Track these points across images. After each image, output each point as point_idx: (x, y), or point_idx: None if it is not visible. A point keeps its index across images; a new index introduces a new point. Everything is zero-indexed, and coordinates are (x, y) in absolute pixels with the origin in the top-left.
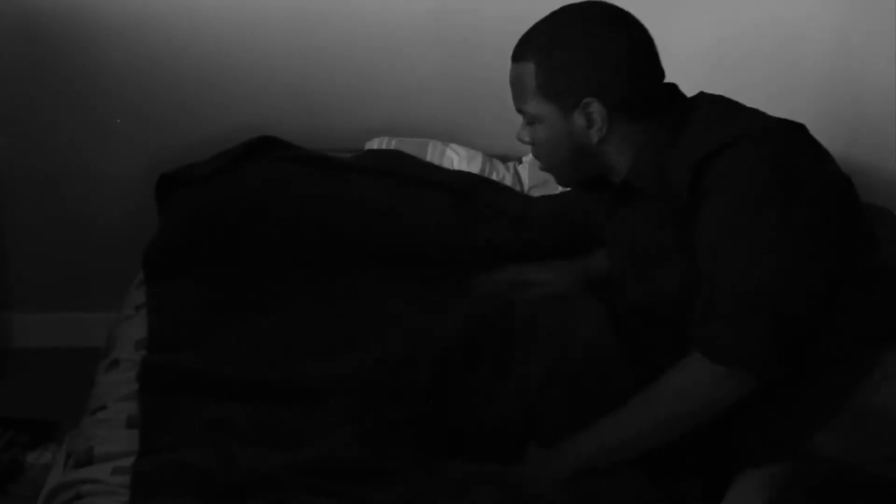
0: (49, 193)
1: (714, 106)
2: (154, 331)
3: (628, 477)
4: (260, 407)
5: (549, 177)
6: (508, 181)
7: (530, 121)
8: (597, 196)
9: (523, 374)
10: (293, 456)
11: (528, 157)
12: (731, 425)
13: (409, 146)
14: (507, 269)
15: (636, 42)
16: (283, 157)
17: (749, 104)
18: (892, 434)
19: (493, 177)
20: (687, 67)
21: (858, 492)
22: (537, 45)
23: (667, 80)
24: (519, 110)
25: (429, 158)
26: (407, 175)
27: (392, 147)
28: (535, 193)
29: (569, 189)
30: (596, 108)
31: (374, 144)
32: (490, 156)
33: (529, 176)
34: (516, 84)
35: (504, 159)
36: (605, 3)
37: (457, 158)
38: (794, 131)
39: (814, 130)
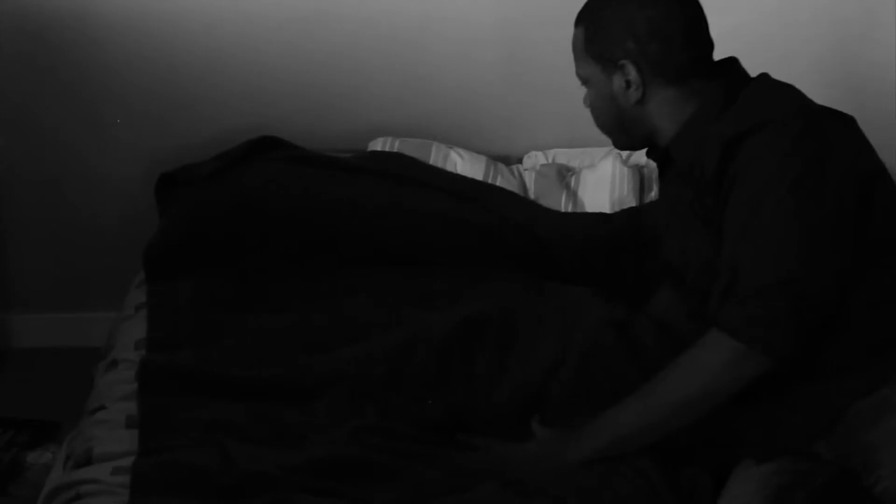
0: (49, 193)
1: (762, 87)
2: (153, 331)
3: (634, 468)
4: (259, 406)
5: (554, 186)
6: (514, 187)
7: (583, 82)
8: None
9: (526, 362)
10: (292, 455)
11: (531, 162)
12: (737, 419)
13: (411, 147)
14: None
15: (679, 10)
16: (284, 157)
17: None
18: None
19: (499, 182)
20: None
21: (856, 500)
22: (588, 9)
23: None
24: (577, 75)
25: (432, 161)
26: (408, 177)
27: (395, 148)
28: (543, 203)
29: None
30: (630, 71)
31: (377, 145)
32: (494, 159)
33: (535, 183)
34: (573, 48)
35: (506, 161)
36: None
37: (460, 161)
38: (830, 119)
39: None
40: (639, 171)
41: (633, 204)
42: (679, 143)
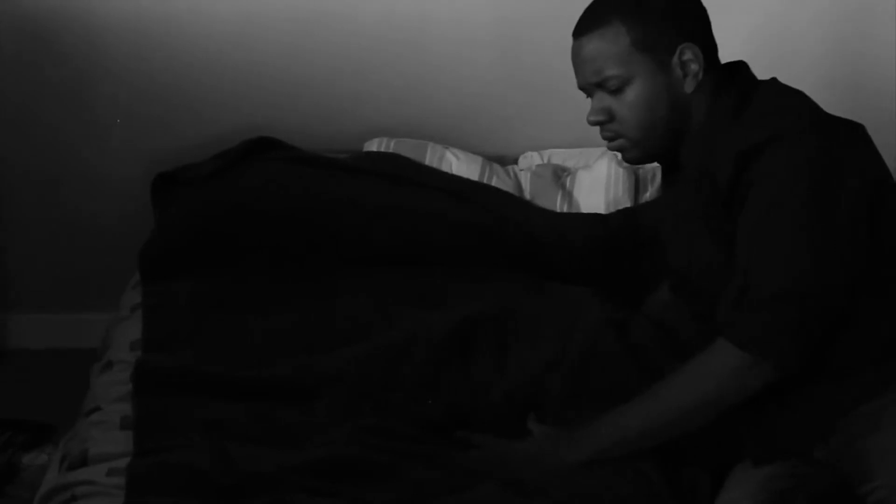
0: (46, 194)
1: (774, 96)
2: (149, 331)
3: (635, 469)
4: (257, 406)
5: (549, 187)
6: (510, 188)
7: (617, 87)
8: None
9: (525, 361)
10: (290, 455)
11: (526, 163)
12: (738, 420)
13: (407, 147)
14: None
15: None
16: (281, 157)
17: None
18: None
19: (494, 182)
20: None
21: None
22: (619, 4)
23: None
24: (597, 84)
25: (427, 161)
26: (405, 178)
27: (390, 148)
28: (538, 203)
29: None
30: (693, 53)
31: (373, 146)
32: (489, 160)
33: (531, 184)
34: (598, 54)
35: (501, 161)
36: None
37: (455, 162)
38: (843, 130)
39: None
40: (634, 171)
41: (629, 204)
42: (690, 149)
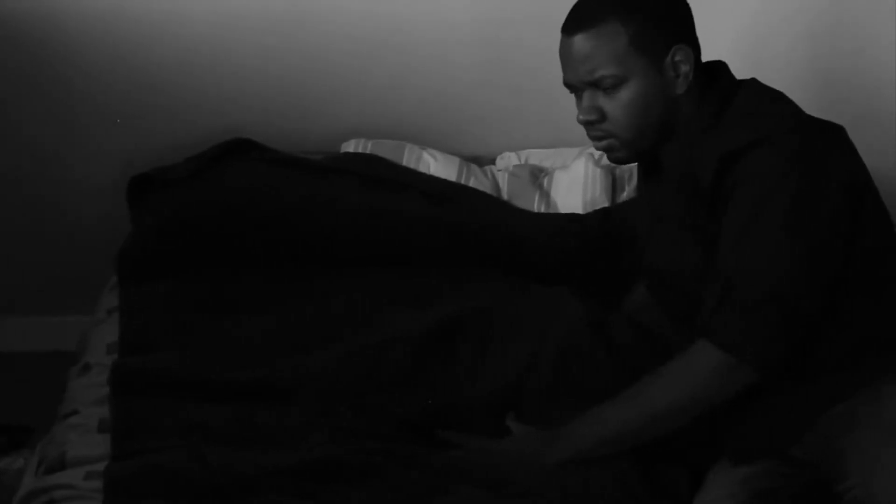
0: (21, 195)
1: (755, 97)
2: (126, 334)
3: (614, 470)
4: (235, 408)
5: (527, 187)
6: (487, 188)
7: (612, 86)
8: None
9: (502, 360)
10: (269, 458)
11: (504, 163)
12: (717, 420)
13: (384, 149)
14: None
15: None
16: (257, 159)
17: None
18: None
19: (472, 183)
20: None
21: None
22: (616, 1)
23: None
24: (591, 83)
25: (405, 162)
26: (383, 178)
27: (367, 149)
28: (516, 204)
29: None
30: (685, 54)
31: (350, 147)
32: (467, 160)
33: (508, 184)
34: (595, 52)
35: (479, 162)
36: None
37: (433, 162)
38: (824, 133)
39: None
40: (611, 171)
41: (606, 204)
42: (672, 151)
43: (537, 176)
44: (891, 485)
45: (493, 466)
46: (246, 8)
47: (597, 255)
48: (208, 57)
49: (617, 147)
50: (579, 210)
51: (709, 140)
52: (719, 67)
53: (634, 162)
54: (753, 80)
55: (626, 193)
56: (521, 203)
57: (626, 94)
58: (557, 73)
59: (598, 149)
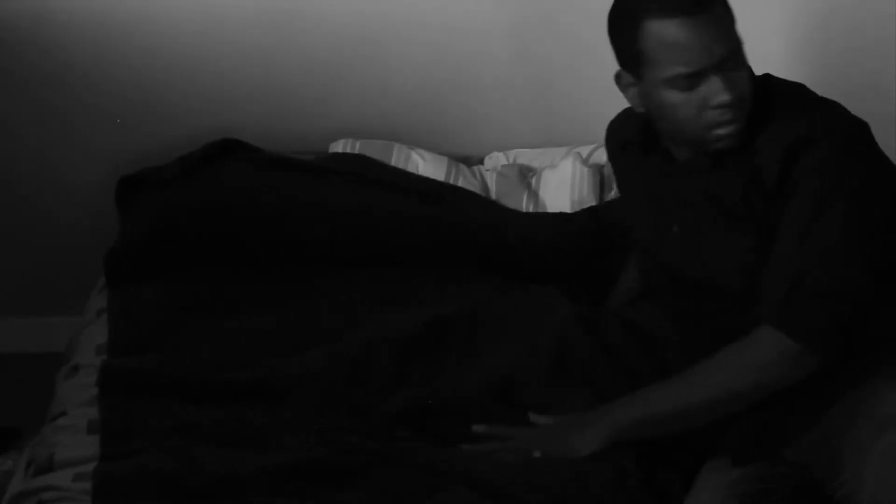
0: (9, 196)
1: (795, 94)
2: (115, 335)
3: (614, 468)
4: (225, 409)
5: (515, 187)
6: (476, 188)
7: (741, 61)
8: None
9: (493, 356)
10: (259, 458)
11: (492, 163)
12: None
13: (373, 149)
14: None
15: None
16: (246, 159)
17: None
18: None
19: (460, 183)
20: None
21: None
22: None
23: None
24: (728, 56)
25: (393, 162)
26: (371, 179)
27: (356, 149)
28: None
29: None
30: None
31: (339, 147)
32: (456, 160)
33: (496, 184)
34: (731, 21)
35: (467, 162)
36: None
37: (422, 163)
38: (864, 128)
39: None
40: (598, 171)
41: (594, 203)
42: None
43: (525, 175)
44: (881, 472)
45: (540, 445)
46: (236, 8)
47: (585, 254)
48: (197, 57)
49: (737, 133)
50: (567, 209)
51: (767, 133)
52: None
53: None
54: (769, 76)
55: (614, 192)
56: (509, 202)
57: (744, 71)
58: (545, 72)
59: (724, 137)
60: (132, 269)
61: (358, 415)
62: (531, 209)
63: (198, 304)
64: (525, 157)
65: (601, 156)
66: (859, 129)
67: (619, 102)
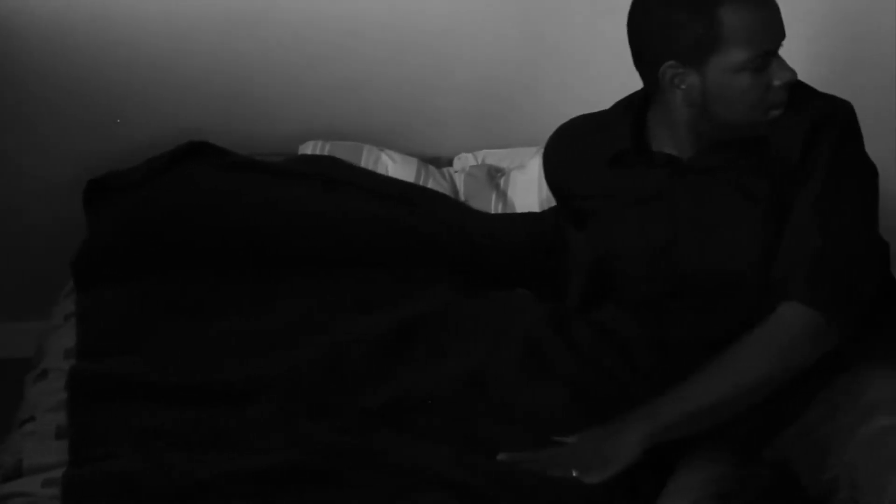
0: None
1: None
2: (83, 339)
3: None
4: (194, 412)
5: (484, 187)
6: (445, 189)
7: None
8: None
9: (462, 356)
10: (229, 462)
11: (461, 164)
12: None
13: (342, 150)
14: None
15: None
16: (215, 162)
17: None
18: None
19: (430, 184)
20: None
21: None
22: None
23: None
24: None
25: (363, 163)
26: (341, 181)
27: (326, 151)
28: (472, 205)
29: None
30: None
31: (308, 149)
32: (425, 162)
33: (465, 185)
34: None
35: (436, 163)
36: None
37: (391, 164)
38: (853, 109)
39: None
40: None
41: None
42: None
43: (494, 176)
44: (865, 457)
45: (578, 456)
46: (204, 9)
47: (554, 254)
48: (165, 59)
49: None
50: (536, 209)
51: (787, 115)
52: None
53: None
54: None
55: None
56: (478, 203)
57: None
58: (513, 73)
59: (775, 118)
60: (101, 273)
61: (328, 415)
62: (500, 209)
63: (167, 306)
64: (493, 157)
65: None
66: (853, 110)
67: (586, 103)
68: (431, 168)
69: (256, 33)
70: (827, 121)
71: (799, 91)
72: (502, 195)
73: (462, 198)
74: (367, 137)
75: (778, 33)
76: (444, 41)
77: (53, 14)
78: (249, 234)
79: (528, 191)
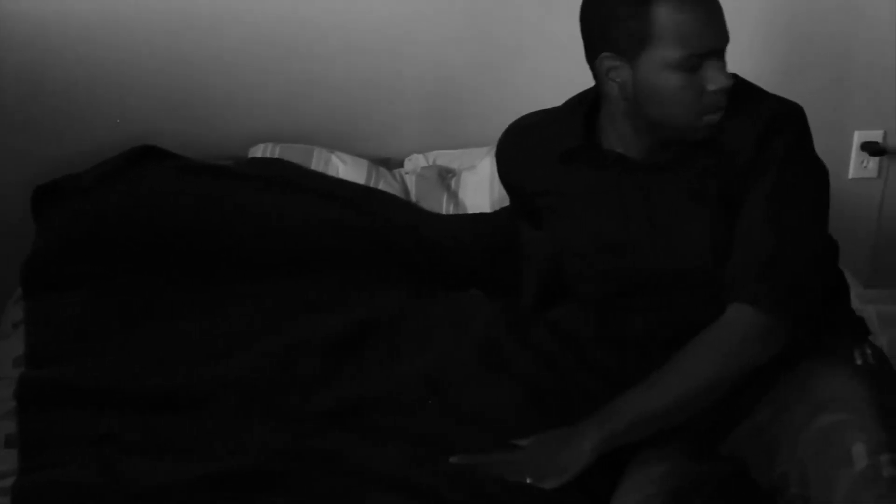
0: None
1: (740, 83)
2: (33, 346)
3: None
4: (145, 418)
5: (435, 188)
6: (396, 191)
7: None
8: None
9: (416, 356)
10: (182, 467)
11: (412, 165)
12: None
13: (292, 153)
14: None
15: None
16: (165, 166)
17: None
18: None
19: (381, 185)
20: None
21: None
22: None
23: None
24: (727, 42)
25: (313, 166)
26: (292, 183)
27: (276, 154)
28: (423, 206)
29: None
30: None
31: (258, 152)
32: (376, 163)
33: (416, 186)
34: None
35: (387, 165)
36: None
37: (342, 166)
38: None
39: None
40: None
41: None
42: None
43: (445, 177)
44: (814, 454)
45: (532, 466)
46: (152, 12)
47: (506, 254)
48: (112, 62)
49: (718, 123)
50: (487, 209)
51: (740, 115)
52: None
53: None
54: None
55: None
56: (429, 204)
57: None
58: (462, 75)
59: (712, 123)
60: (50, 279)
61: (282, 419)
62: (451, 210)
63: (118, 312)
64: (444, 158)
65: None
66: (804, 112)
67: (536, 103)
68: (382, 170)
69: (205, 36)
70: (779, 123)
71: (750, 93)
72: (453, 196)
73: (413, 199)
74: (317, 140)
75: (714, 37)
76: (393, 43)
77: None
78: (201, 237)
79: (480, 191)
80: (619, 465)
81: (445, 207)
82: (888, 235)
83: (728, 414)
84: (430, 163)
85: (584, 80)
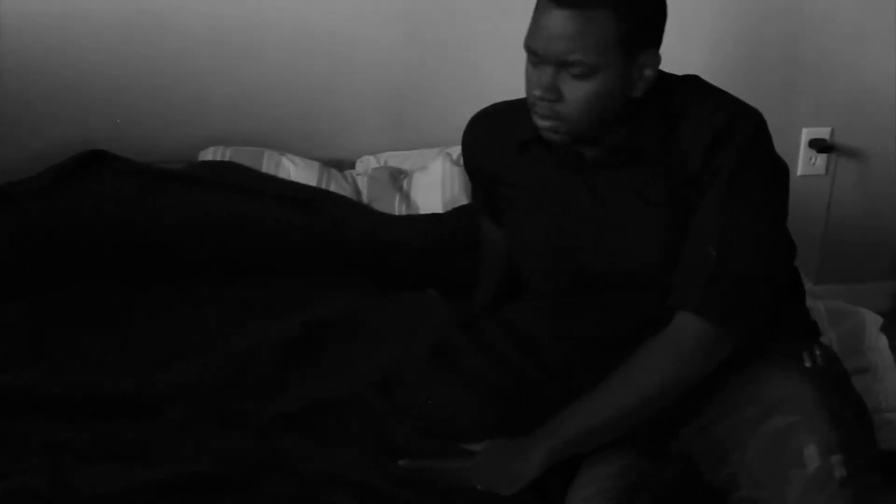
0: None
1: (697, 85)
2: None
3: None
4: (98, 424)
5: (387, 190)
6: (348, 192)
7: (582, 73)
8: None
9: (371, 358)
10: (136, 474)
11: (363, 167)
12: None
13: (243, 156)
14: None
15: None
16: (114, 170)
17: None
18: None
19: (332, 187)
20: None
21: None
22: None
23: None
24: (567, 62)
25: (264, 168)
26: (243, 186)
27: (226, 157)
28: (376, 207)
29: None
30: (655, 59)
31: (208, 155)
32: (327, 165)
33: (368, 188)
34: (578, 35)
35: (339, 166)
36: None
37: (293, 168)
38: (762, 116)
39: None
40: None
41: (465, 202)
42: (650, 139)
43: (397, 178)
44: (763, 455)
45: (483, 476)
46: (98, 13)
47: (459, 254)
48: (59, 65)
49: (561, 131)
50: (439, 209)
51: (694, 118)
52: None
53: (567, 145)
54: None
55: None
56: (381, 205)
57: (591, 85)
58: (413, 76)
59: (540, 126)
60: None
61: (237, 423)
62: (403, 211)
63: (67, 318)
64: (396, 159)
65: None
66: (761, 117)
67: (487, 103)
68: (333, 171)
69: (153, 38)
70: (733, 128)
71: (710, 95)
72: (405, 197)
73: (365, 200)
74: (267, 142)
75: (539, 43)
76: (343, 44)
77: None
78: (153, 241)
79: (432, 192)
80: (573, 467)
81: (398, 208)
82: (836, 232)
83: (677, 415)
84: (382, 164)
85: None
